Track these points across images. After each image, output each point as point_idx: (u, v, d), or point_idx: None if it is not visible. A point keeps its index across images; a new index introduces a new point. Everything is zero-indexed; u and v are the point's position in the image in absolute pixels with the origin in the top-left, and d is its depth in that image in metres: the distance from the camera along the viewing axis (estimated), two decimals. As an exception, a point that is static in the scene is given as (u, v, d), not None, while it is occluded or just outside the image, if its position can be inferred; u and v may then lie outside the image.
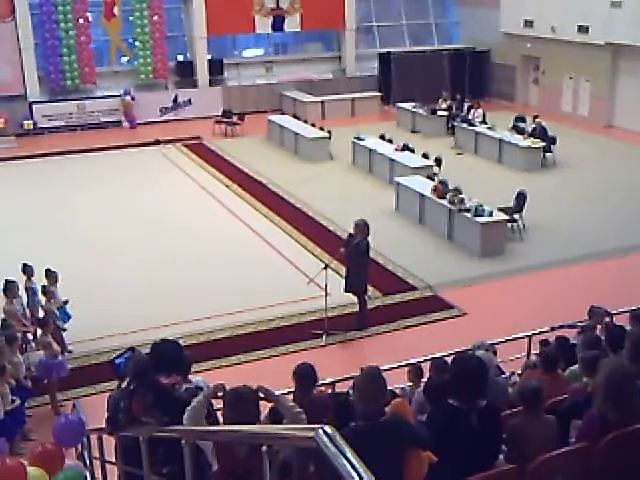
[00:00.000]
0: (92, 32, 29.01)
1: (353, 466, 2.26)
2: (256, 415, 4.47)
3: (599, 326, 9.67)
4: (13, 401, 9.64)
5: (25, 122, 27.29)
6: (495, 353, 8.72)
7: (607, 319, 10.14)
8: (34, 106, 27.69)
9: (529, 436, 5.04)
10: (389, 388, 7.68)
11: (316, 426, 2.47)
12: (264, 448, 2.87)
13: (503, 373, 8.51)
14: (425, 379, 8.06)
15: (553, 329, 10.32)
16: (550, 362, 7.02)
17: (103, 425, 6.59)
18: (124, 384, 6.72)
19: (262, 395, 4.59)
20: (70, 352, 12.16)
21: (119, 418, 5.23)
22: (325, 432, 2.44)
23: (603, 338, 7.79)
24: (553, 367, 6.99)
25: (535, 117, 23.59)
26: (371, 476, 2.23)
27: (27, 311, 12.19)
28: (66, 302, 12.33)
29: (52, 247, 16.28)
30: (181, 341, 11.87)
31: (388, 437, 4.40)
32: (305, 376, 6.74)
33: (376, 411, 4.48)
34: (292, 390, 7.02)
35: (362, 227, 12.76)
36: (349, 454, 2.32)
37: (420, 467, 4.37)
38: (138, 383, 5.29)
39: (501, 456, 5.01)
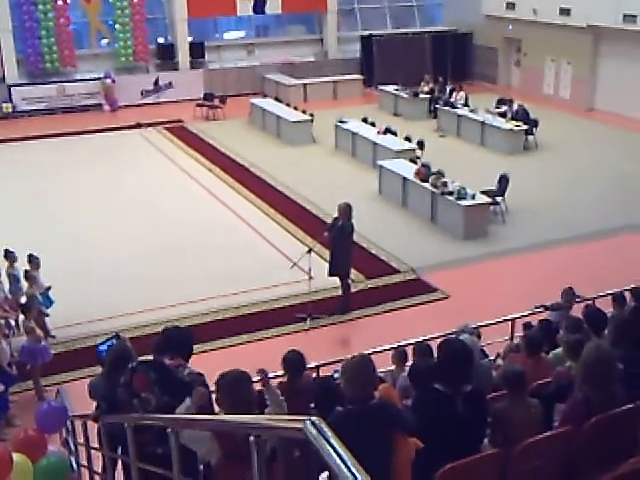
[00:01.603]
0: (71, 14, 28.72)
1: (341, 457, 2.28)
2: (251, 394, 4.48)
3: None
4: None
5: (4, 105, 27.03)
6: (479, 336, 8.76)
7: (589, 302, 10.22)
8: (13, 89, 27.42)
9: (513, 420, 5.07)
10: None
11: (304, 417, 2.48)
12: (252, 438, 2.87)
13: (487, 356, 8.56)
14: (409, 363, 8.08)
15: (536, 308, 10.44)
16: (533, 345, 7.06)
17: (87, 411, 6.59)
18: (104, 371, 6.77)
19: (258, 377, 4.62)
20: (53, 337, 12.11)
21: (117, 394, 5.25)
22: (312, 423, 2.45)
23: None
24: (537, 350, 7.03)
25: (510, 101, 23.67)
26: (359, 466, 2.24)
27: (9, 297, 12.13)
28: (48, 288, 12.26)
29: (33, 232, 16.12)
30: (165, 326, 11.94)
31: (377, 420, 4.45)
32: (295, 363, 6.77)
33: (365, 396, 4.51)
34: (278, 374, 7.04)
35: (345, 209, 12.76)
36: (337, 445, 2.34)
37: (408, 452, 4.40)
38: (140, 362, 5.41)
39: (486, 440, 5.04)
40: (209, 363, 8.55)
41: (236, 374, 4.45)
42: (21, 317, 11.42)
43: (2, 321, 10.76)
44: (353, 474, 2.19)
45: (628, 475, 4.08)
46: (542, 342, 7.24)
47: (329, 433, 2.39)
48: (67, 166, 21.61)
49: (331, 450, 2.34)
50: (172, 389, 4.88)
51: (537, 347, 7.07)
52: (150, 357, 5.57)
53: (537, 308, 10.51)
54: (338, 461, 2.28)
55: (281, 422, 2.87)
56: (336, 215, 12.98)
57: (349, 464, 2.24)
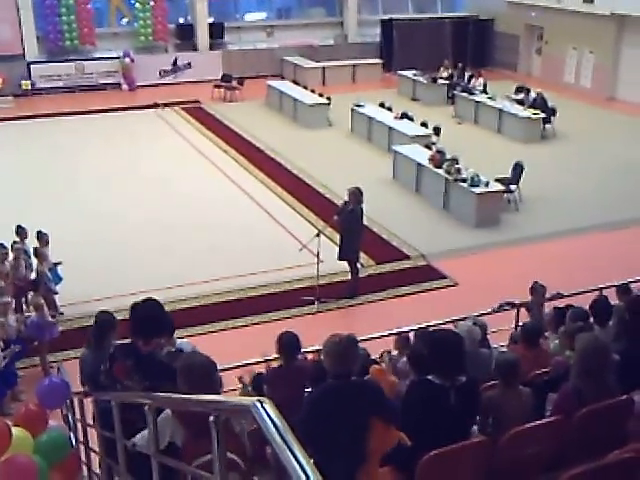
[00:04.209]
0: (92, -8, 28.77)
1: (283, 437, 2.31)
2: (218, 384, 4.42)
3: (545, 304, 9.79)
4: (4, 357, 9.70)
5: (23, 82, 27.11)
6: (484, 326, 8.68)
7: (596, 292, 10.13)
8: (32, 66, 27.51)
9: (504, 408, 5.05)
10: (373, 357, 7.75)
11: (253, 398, 2.51)
12: (211, 418, 2.88)
13: (489, 346, 8.50)
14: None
15: (500, 307, 10.39)
16: (531, 336, 7.00)
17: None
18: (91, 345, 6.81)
19: None
20: (61, 314, 12.18)
21: (100, 380, 5.23)
22: (260, 403, 2.48)
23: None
24: (534, 341, 6.97)
25: (528, 90, 23.48)
26: (300, 447, 2.27)
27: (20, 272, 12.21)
28: (57, 264, 12.31)
29: (47, 209, 16.26)
30: (172, 305, 12.01)
31: (353, 397, 4.46)
32: (289, 345, 6.77)
33: (345, 372, 4.52)
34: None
35: (355, 193, 12.71)
36: (280, 425, 2.37)
37: (385, 439, 4.38)
38: (116, 348, 5.27)
39: (475, 427, 5.02)
40: (214, 344, 8.59)
41: (206, 361, 4.33)
42: (30, 293, 11.51)
43: (8, 298, 10.79)
44: (295, 455, 2.22)
45: (612, 465, 4.06)
46: (540, 333, 7.18)
47: (274, 413, 2.43)
48: (84, 144, 21.68)
49: (275, 431, 2.38)
50: (152, 374, 4.78)
51: (535, 338, 7.01)
52: (127, 341, 5.37)
53: (504, 306, 10.43)
54: (280, 441, 2.33)
55: (230, 401, 2.89)
56: (346, 199, 12.94)
57: (292, 445, 2.28)
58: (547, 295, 10.26)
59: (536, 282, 10.15)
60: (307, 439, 3.98)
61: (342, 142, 22.04)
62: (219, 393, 4.26)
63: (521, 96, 23.59)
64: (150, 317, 5.16)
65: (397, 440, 4.40)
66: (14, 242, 12.32)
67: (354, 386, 4.55)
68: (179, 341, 7.18)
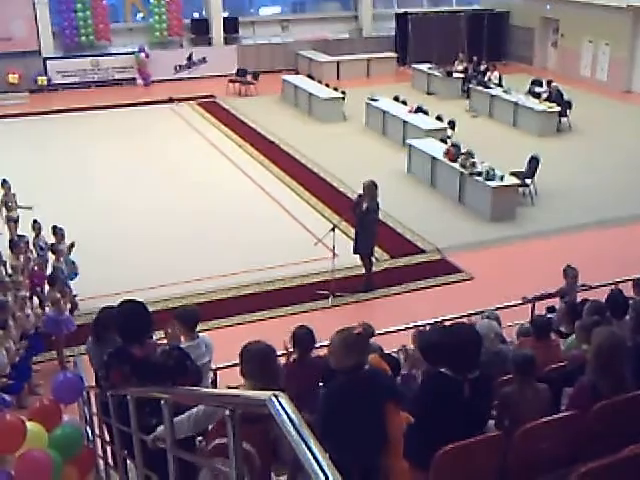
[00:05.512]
0: (107, -12, 28.86)
1: (299, 432, 2.32)
2: (278, 367, 4.46)
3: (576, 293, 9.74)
4: (18, 350, 9.78)
5: (39, 78, 27.25)
6: (498, 320, 8.67)
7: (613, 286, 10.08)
8: (48, 62, 27.63)
9: (520, 404, 5.03)
10: (387, 351, 7.74)
11: (269, 392, 2.51)
12: (227, 412, 2.88)
13: (505, 341, 8.47)
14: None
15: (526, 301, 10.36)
16: (541, 329, 6.98)
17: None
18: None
19: None
20: (77, 309, 12.22)
21: (100, 384, 5.24)
22: (276, 397, 2.48)
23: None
24: (545, 334, 6.95)
25: (549, 82, 23.37)
26: (316, 442, 2.27)
27: (36, 268, 12.27)
28: (72, 246, 12.35)
29: (62, 204, 16.31)
30: (189, 299, 12.09)
31: (368, 388, 4.52)
32: (303, 340, 6.76)
33: (356, 366, 4.55)
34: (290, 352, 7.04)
35: (370, 187, 12.68)
36: (297, 420, 2.38)
37: (399, 423, 4.41)
38: (110, 355, 5.23)
39: (491, 422, 5.00)
40: (228, 338, 8.58)
41: (263, 346, 4.39)
42: (46, 288, 11.57)
43: (25, 292, 10.84)
44: (310, 450, 2.23)
45: (627, 461, 4.04)
46: (550, 326, 7.16)
47: (290, 408, 2.43)
48: (99, 140, 21.74)
49: (291, 425, 2.39)
50: (150, 378, 4.78)
51: (545, 331, 6.98)
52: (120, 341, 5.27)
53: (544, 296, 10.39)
54: (296, 436, 2.34)
55: (246, 395, 2.89)
56: (361, 192, 12.91)
57: (307, 440, 2.29)
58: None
59: (568, 265, 10.15)
60: (327, 435, 4.01)
61: (357, 136, 22.01)
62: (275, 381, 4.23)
63: (540, 89, 23.49)
64: (127, 320, 5.11)
65: (405, 422, 4.46)
66: (19, 236, 12.42)
67: (367, 377, 4.60)
68: (201, 335, 7.15)
